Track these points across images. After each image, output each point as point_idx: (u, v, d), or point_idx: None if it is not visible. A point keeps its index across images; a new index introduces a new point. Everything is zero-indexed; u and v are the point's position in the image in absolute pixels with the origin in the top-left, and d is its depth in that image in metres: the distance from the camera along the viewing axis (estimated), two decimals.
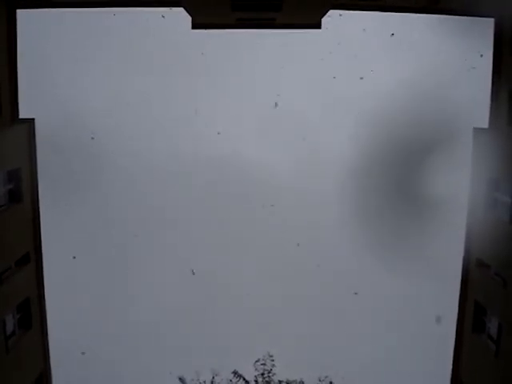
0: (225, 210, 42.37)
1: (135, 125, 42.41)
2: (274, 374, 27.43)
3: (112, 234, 41.04)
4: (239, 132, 43.84)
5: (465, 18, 24.70)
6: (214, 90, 43.23)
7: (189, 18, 25.38)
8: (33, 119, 22.87)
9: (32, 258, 22.70)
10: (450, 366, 23.99)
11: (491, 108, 22.89)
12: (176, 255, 41.28)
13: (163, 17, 30.64)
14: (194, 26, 25.78)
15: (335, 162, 41.46)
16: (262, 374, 27.31)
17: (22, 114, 22.75)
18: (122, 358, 35.78)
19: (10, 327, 20.85)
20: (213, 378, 27.72)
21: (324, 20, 25.79)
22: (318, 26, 26.26)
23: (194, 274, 39.26)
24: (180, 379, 27.41)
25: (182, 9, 24.14)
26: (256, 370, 27.45)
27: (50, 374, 24.17)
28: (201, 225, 42.46)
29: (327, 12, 24.77)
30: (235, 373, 27.45)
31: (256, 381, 27.20)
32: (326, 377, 27.67)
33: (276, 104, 39.90)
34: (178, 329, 38.07)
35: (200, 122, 41.96)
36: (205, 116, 41.78)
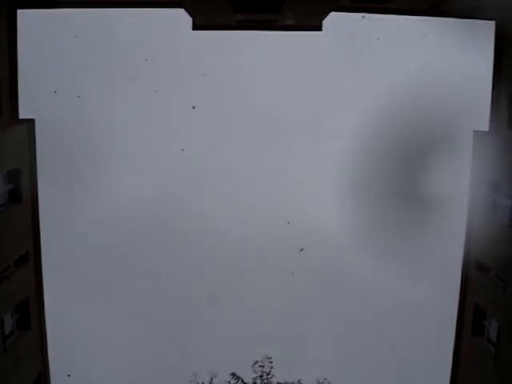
0: None
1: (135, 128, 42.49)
2: (273, 376, 27.39)
3: (109, 233, 41.02)
4: None
5: (466, 20, 24.71)
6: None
7: (189, 20, 25.39)
8: (33, 120, 22.84)
9: (31, 257, 22.67)
10: (449, 369, 23.95)
11: (491, 111, 22.87)
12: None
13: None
14: (195, 28, 25.76)
15: (333, 162, 41.46)
16: (261, 376, 27.26)
17: (22, 115, 22.74)
18: (120, 356, 35.74)
19: (8, 327, 20.81)
20: (211, 379, 27.69)
21: None
22: (318, 28, 26.29)
23: None
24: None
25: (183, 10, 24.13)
26: (254, 372, 27.42)
27: (48, 374, 24.12)
28: None
29: (328, 14, 24.77)
30: (233, 375, 27.41)
31: (254, 383, 27.16)
32: (325, 379, 27.64)
33: None
34: (177, 330, 38.05)
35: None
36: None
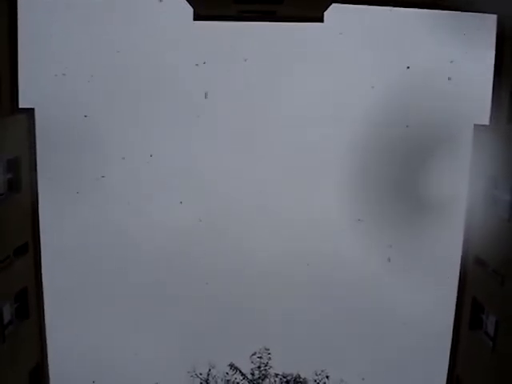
0: None
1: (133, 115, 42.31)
2: (271, 367, 27.55)
3: (110, 227, 41.02)
4: None
5: (467, 14, 24.61)
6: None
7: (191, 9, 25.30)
8: (33, 109, 22.78)
9: (30, 247, 22.66)
10: (447, 362, 24.04)
11: (492, 105, 22.82)
12: None
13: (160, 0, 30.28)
14: (196, 18, 25.67)
15: (334, 158, 41.40)
16: (259, 367, 27.42)
17: (22, 104, 22.68)
18: (120, 352, 35.79)
19: (7, 316, 20.83)
20: (209, 370, 27.82)
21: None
22: (320, 19, 26.18)
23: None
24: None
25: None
26: (252, 363, 27.57)
27: (46, 364, 24.17)
28: None
29: (329, 5, 24.67)
30: (232, 365, 27.55)
31: (252, 374, 27.31)
32: (323, 371, 27.78)
33: None
34: (176, 323, 38.12)
35: None
36: None
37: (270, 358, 27.52)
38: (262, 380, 27.19)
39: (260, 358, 27.57)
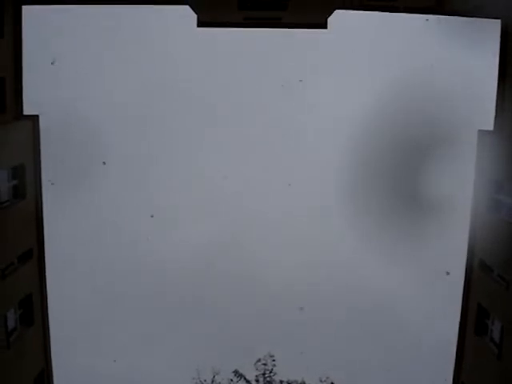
0: None
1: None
2: (275, 373, 27.47)
3: (115, 227, 41.06)
4: None
5: (472, 19, 24.62)
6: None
7: (194, 16, 25.37)
8: (37, 116, 22.88)
9: (35, 253, 22.71)
10: (452, 369, 23.91)
11: (496, 110, 22.80)
12: None
13: None
14: (200, 25, 25.74)
15: (334, 163, 41.34)
16: (263, 374, 27.33)
17: (27, 111, 22.79)
18: (124, 358, 35.77)
19: (11, 323, 20.86)
20: (213, 377, 27.76)
21: None
22: (324, 25, 26.22)
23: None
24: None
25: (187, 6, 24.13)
26: (257, 369, 27.50)
27: (51, 370, 24.17)
28: None
29: (333, 12, 24.73)
30: (236, 372, 27.48)
31: (257, 380, 27.23)
32: (328, 377, 27.68)
33: None
34: (179, 327, 38.09)
35: None
36: None
37: (274, 365, 27.44)
38: None
39: (265, 364, 27.50)
